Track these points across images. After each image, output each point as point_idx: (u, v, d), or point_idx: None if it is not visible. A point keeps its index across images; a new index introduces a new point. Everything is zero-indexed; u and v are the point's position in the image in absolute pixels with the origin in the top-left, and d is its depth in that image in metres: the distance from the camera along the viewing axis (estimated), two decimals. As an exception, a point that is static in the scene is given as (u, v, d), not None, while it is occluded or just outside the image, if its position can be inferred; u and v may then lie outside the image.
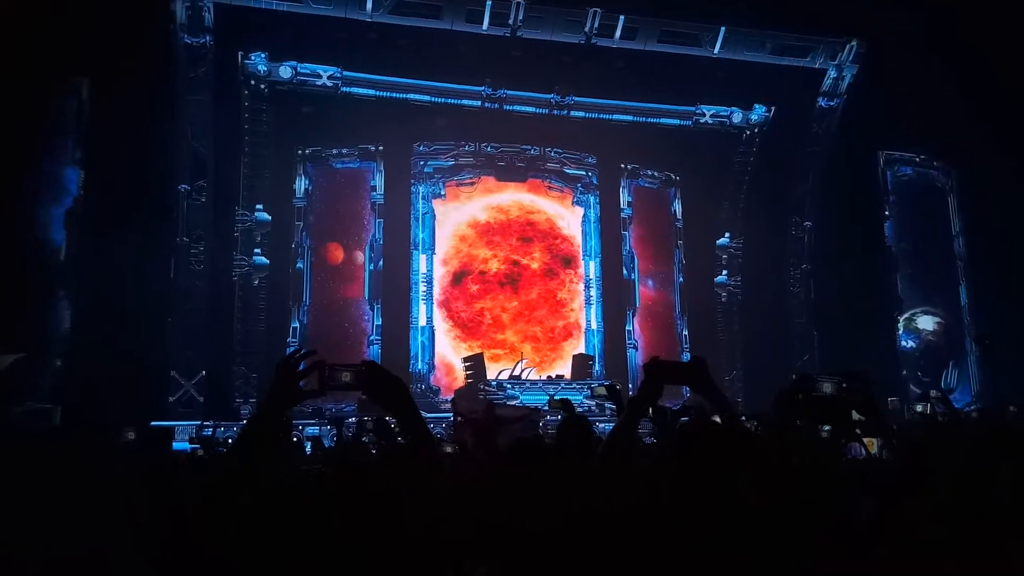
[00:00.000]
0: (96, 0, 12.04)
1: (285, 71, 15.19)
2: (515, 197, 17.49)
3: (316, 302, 15.96)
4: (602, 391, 5.19)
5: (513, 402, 13.56)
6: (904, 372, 17.31)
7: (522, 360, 15.73)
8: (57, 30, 12.04)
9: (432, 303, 16.67)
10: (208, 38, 14.20)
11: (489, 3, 14.87)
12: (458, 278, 16.65)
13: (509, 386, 14.82)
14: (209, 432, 11.69)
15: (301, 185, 16.30)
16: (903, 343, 17.63)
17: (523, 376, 15.47)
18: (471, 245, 16.98)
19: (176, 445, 9.55)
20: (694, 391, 2.56)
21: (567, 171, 17.93)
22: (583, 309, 17.53)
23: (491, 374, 15.25)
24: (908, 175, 18.41)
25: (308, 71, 15.33)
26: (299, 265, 15.97)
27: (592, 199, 18.08)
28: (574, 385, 15.31)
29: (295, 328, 15.68)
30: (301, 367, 2.20)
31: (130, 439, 6.60)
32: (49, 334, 12.78)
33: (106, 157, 13.04)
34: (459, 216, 17.32)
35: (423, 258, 16.80)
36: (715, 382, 2.54)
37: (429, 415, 13.22)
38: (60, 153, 13.22)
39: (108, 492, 2.72)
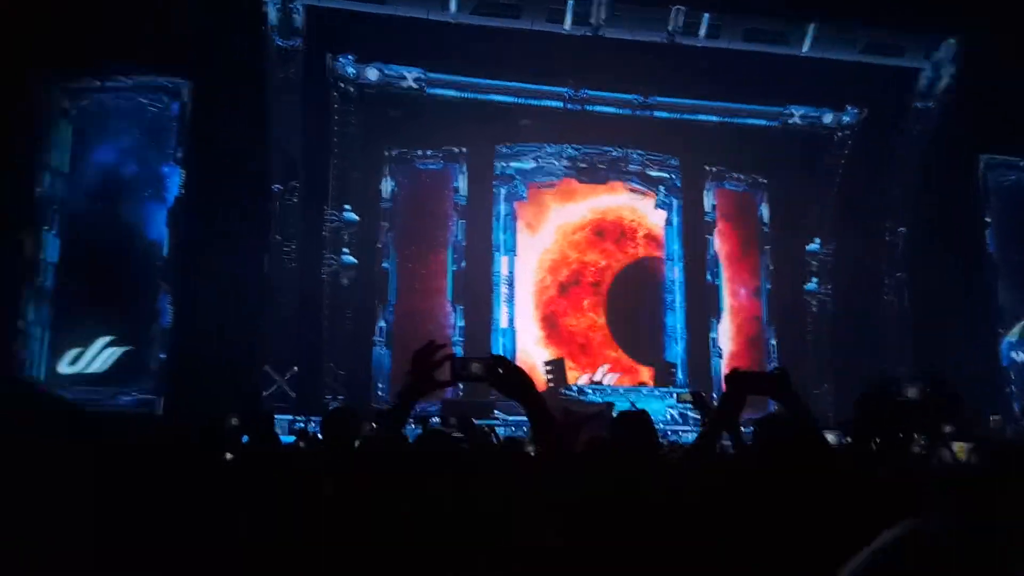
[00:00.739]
0: (195, 4, 12.98)
1: (372, 73, 15.67)
2: (607, 201, 17.97)
3: (401, 302, 16.40)
4: (688, 398, 5.33)
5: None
6: (1010, 388, 17.06)
7: (605, 365, 16.57)
8: (159, 33, 12.95)
9: (513, 304, 17.02)
10: (299, 40, 14.77)
11: (571, 2, 15.16)
12: (564, 288, 17.22)
13: (591, 391, 15.27)
14: (302, 426, 12.28)
15: (387, 186, 16.83)
16: (1013, 355, 17.30)
17: (604, 382, 16.33)
18: (567, 248, 17.50)
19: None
20: (777, 402, 2.64)
21: (649, 173, 18.22)
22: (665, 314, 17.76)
23: (571, 378, 15.70)
24: (1011, 180, 18.20)
25: (394, 72, 15.82)
26: (384, 265, 16.48)
27: (675, 202, 18.33)
28: (656, 392, 15.64)
29: (381, 327, 16.12)
30: (434, 358, 2.35)
31: (234, 425, 6.84)
32: (153, 328, 13.85)
33: (205, 157, 14.00)
34: (556, 217, 17.75)
35: (504, 260, 17.19)
36: (798, 394, 2.59)
37: (511, 418, 13.75)
38: (163, 153, 14.21)
39: (225, 476, 2.85)
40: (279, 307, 14.66)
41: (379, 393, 15.70)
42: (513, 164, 17.46)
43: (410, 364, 2.36)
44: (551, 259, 17.57)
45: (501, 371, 2.26)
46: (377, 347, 16.01)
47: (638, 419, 3.35)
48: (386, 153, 16.71)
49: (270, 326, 14.51)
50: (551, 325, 17.22)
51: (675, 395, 14.81)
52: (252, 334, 14.15)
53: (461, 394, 13.97)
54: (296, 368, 14.69)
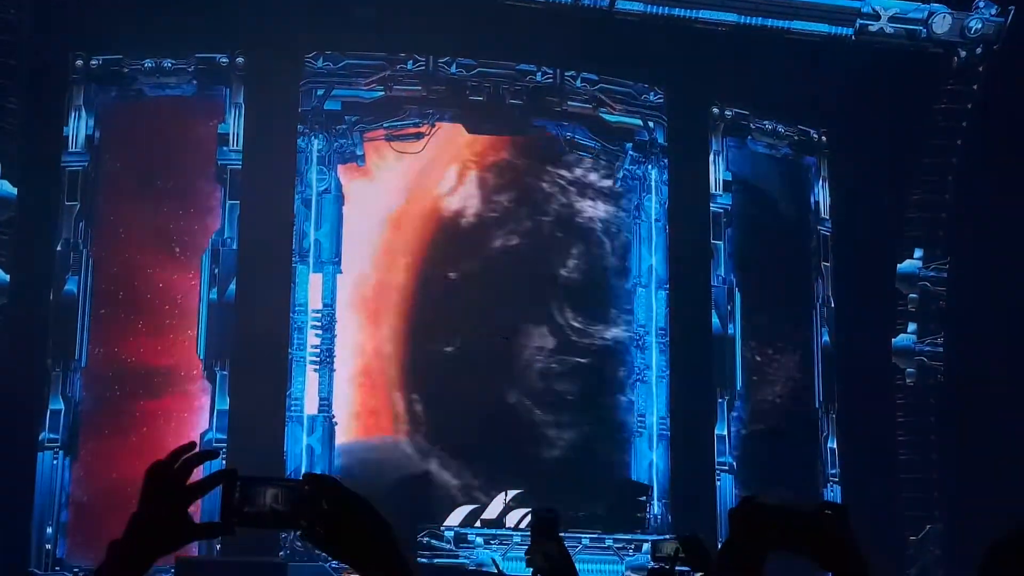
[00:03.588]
0: None
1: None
2: (517, 168, 17.06)
3: (103, 358, 15.19)
4: (671, 549, 5.34)
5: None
6: None
7: (506, 492, 15.64)
8: None
9: (330, 369, 15.77)
10: None
11: None
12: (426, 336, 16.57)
13: (479, 540, 15.13)
14: None
15: (79, 129, 15.35)
16: None
17: (507, 522, 15.48)
18: (437, 258, 16.68)
19: None
20: (823, 567, 2.40)
21: (606, 117, 17.07)
22: (631, 388, 16.99)
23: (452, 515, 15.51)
24: None
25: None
26: (69, 288, 15.02)
27: (653, 174, 17.14)
28: (608, 543, 15.37)
29: (56, 412, 14.61)
30: (196, 477, 2.17)
31: None
32: None
33: None
34: (391, 200, 16.67)
35: (315, 279, 15.86)
36: (862, 554, 2.37)
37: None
38: None
39: None
40: None
41: (46, 546, 14.48)
42: (338, 92, 16.20)
43: (143, 487, 2.09)
44: (404, 280, 16.66)
45: (325, 507, 2.04)
46: (46, 452, 14.69)
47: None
48: (78, 63, 15.33)
49: None
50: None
51: (650, 545, 13.69)
52: None
53: (218, 547, 13.77)
54: None
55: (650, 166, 17.22)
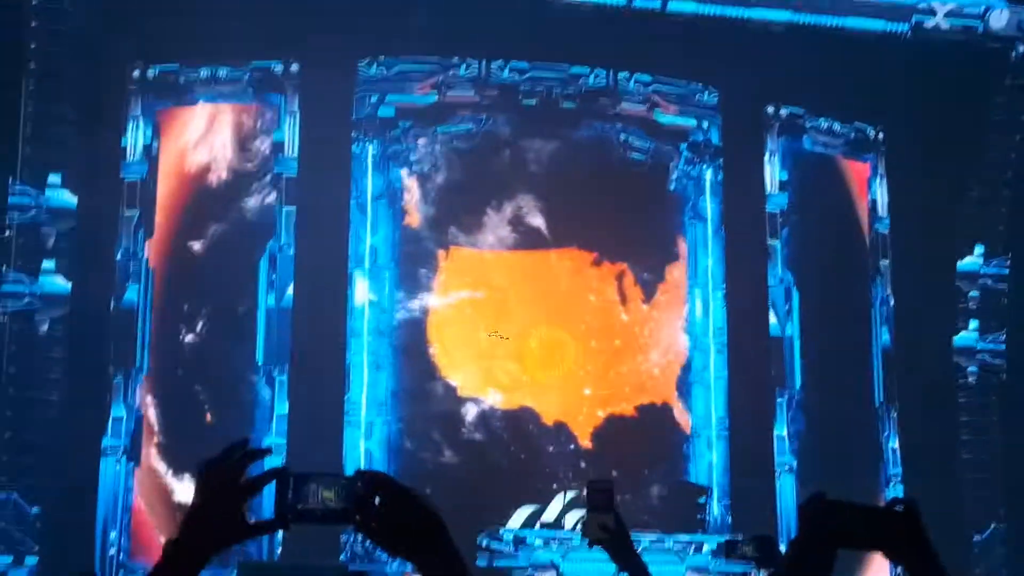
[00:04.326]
0: None
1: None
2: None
3: (162, 366, 15.17)
4: (748, 552, 5.26)
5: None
6: None
7: (567, 491, 15.51)
8: None
9: (389, 370, 15.83)
10: None
11: None
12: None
13: (538, 542, 15.03)
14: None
15: (136, 139, 15.32)
16: None
17: (565, 523, 15.39)
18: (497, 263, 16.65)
19: None
20: (897, 564, 2.43)
21: (659, 120, 17.05)
22: (678, 390, 16.87)
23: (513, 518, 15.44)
24: None
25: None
26: (129, 296, 14.98)
27: (707, 174, 17.18)
28: (669, 543, 15.28)
29: (119, 421, 14.54)
30: (250, 474, 2.13)
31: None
32: None
33: None
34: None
35: (366, 285, 15.82)
36: (934, 551, 2.37)
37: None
38: None
39: None
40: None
41: (110, 550, 14.46)
42: (392, 98, 16.18)
43: (198, 484, 2.10)
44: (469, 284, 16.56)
45: (379, 502, 2.06)
46: (110, 456, 14.64)
47: None
48: (134, 74, 15.34)
49: None
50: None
51: (717, 547, 14.83)
52: None
53: (279, 551, 14.02)
54: None
55: (704, 166, 17.17)
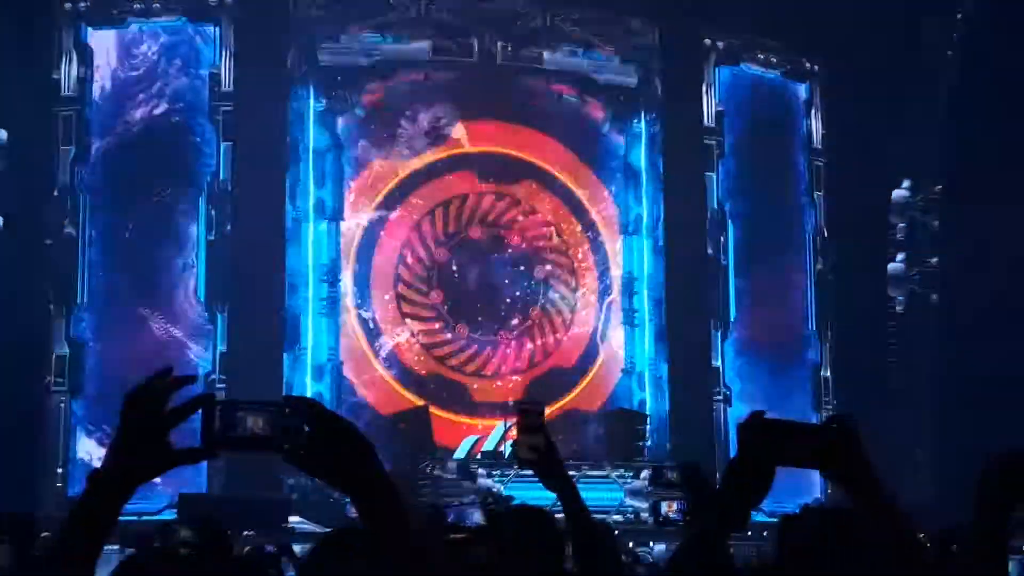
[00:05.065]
0: None
1: None
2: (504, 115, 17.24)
3: (104, 302, 15.15)
4: (671, 478, 5.02)
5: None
6: None
7: (505, 423, 15.54)
8: None
9: (337, 306, 16.13)
10: None
11: None
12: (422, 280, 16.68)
13: (482, 470, 15.03)
14: None
15: (71, 70, 15.32)
16: None
17: (503, 451, 15.62)
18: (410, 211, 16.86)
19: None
20: (832, 482, 2.42)
21: (596, 57, 17.20)
22: (618, 327, 17.37)
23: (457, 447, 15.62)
24: None
25: None
26: (68, 230, 15.08)
27: (642, 120, 17.45)
28: (608, 471, 15.39)
29: (62, 358, 14.74)
30: (173, 402, 2.08)
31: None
32: None
33: None
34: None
35: (313, 231, 16.04)
36: (871, 465, 2.34)
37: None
38: None
39: None
40: None
41: (57, 483, 14.56)
42: (327, 48, 16.27)
43: (121, 414, 2.02)
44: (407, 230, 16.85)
45: (308, 428, 2.00)
46: (55, 393, 14.86)
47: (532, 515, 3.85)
48: (66, 5, 15.36)
49: None
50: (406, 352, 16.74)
51: (649, 471, 14.45)
52: None
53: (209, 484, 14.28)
54: None
55: (642, 115, 17.30)
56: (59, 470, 13.76)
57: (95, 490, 2.01)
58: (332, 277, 16.03)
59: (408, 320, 16.60)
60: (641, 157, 17.59)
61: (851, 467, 2.32)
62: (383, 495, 2.03)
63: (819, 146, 18.06)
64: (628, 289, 17.70)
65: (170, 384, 2.02)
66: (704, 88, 17.36)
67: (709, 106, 17.41)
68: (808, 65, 17.95)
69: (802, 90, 18.23)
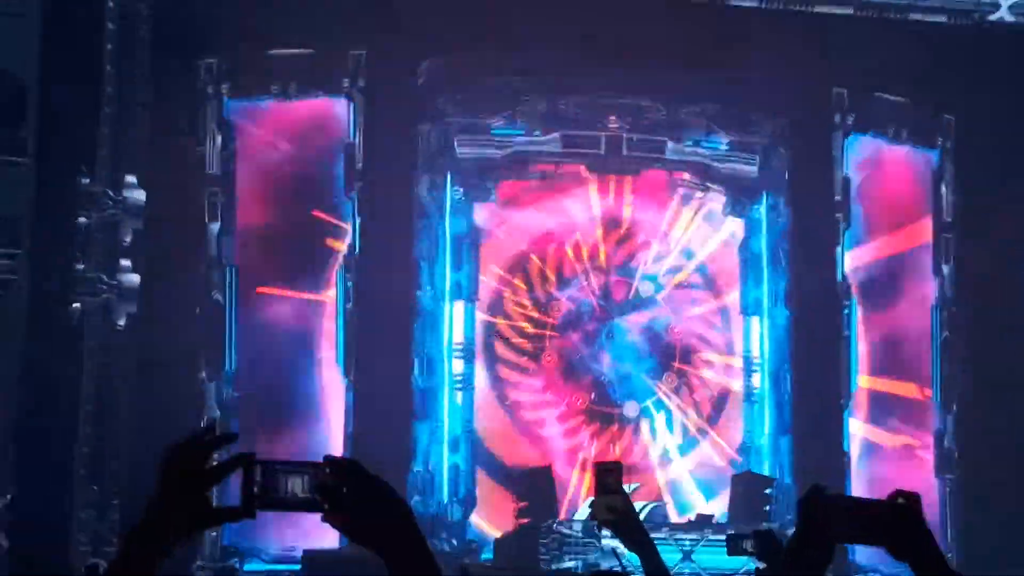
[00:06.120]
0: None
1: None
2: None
3: (248, 366, 15.30)
4: (747, 548, 5.64)
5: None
6: None
7: (634, 484, 15.36)
8: None
9: (470, 390, 16.38)
10: None
11: None
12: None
13: (605, 533, 14.31)
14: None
15: (213, 143, 15.36)
16: None
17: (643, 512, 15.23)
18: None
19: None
20: (896, 557, 2.36)
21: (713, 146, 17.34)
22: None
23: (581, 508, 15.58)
24: None
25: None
26: (214, 294, 15.14)
27: (766, 204, 17.46)
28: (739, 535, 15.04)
29: (213, 419, 14.71)
30: (213, 461, 2.07)
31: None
32: None
33: None
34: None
35: (453, 308, 16.39)
36: (936, 545, 2.35)
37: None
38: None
39: None
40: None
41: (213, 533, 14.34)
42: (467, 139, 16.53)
43: (160, 469, 2.00)
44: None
45: (346, 492, 1.99)
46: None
47: None
48: (209, 89, 15.34)
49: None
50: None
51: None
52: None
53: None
54: (9, 496, 13.61)
55: (766, 200, 17.16)
56: (213, 533, 13.72)
57: (131, 548, 1.99)
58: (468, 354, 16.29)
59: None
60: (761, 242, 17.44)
61: (916, 542, 2.30)
62: (420, 558, 1.99)
63: (949, 219, 17.33)
64: (748, 368, 17.70)
65: (213, 441, 2.01)
66: (836, 160, 16.94)
67: (840, 174, 16.92)
68: (941, 140, 17.20)
69: (935, 160, 17.49)
